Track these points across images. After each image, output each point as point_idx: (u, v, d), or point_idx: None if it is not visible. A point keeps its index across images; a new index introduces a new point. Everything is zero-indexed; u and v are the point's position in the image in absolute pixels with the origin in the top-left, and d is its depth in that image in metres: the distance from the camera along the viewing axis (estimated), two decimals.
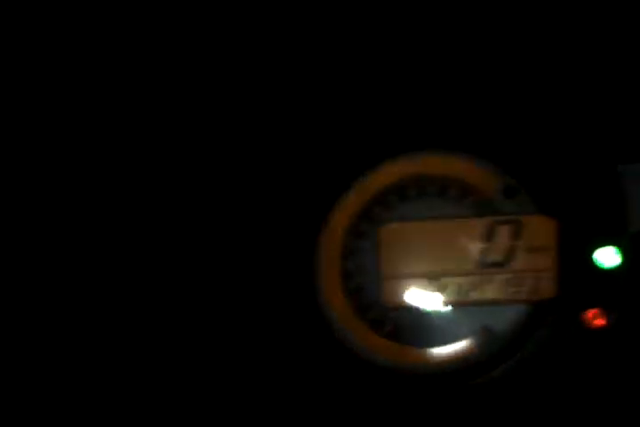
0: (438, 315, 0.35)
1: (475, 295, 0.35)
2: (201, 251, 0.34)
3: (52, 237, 0.34)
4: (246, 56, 0.34)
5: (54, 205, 0.34)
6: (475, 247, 0.35)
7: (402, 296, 0.35)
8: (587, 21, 0.35)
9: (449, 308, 0.35)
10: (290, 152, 0.34)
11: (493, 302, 0.35)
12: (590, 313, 0.35)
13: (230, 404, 0.34)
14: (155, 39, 0.34)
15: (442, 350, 0.35)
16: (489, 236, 0.35)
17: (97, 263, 0.34)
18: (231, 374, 0.34)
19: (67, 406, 0.34)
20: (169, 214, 0.35)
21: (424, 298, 0.35)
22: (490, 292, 0.35)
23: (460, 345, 0.35)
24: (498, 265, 0.35)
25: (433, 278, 0.35)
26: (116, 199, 0.35)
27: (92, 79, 0.34)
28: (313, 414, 0.34)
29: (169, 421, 0.33)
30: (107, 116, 0.34)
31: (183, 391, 0.33)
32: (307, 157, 0.34)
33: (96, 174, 0.34)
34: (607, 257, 0.34)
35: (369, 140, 0.34)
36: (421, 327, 0.35)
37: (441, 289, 0.35)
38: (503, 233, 0.34)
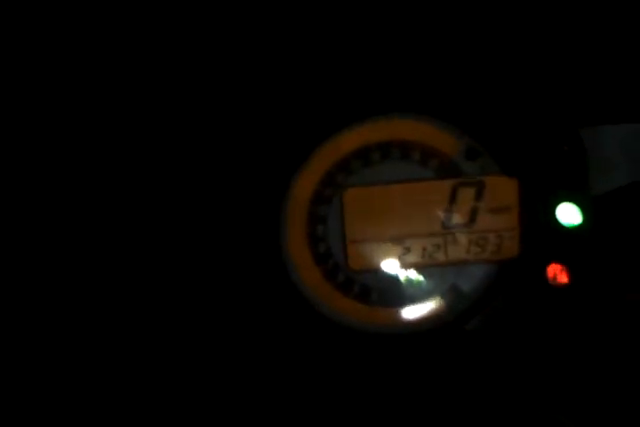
0: (405, 276, 0.35)
1: (440, 256, 0.35)
2: (165, 224, 0.34)
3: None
4: (219, 17, 0.34)
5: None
6: (438, 209, 0.35)
7: (368, 259, 0.35)
8: None
9: (415, 269, 0.35)
10: (252, 119, 0.34)
11: (459, 263, 0.35)
12: (553, 271, 0.35)
13: (199, 366, 0.34)
14: None
15: (410, 311, 0.36)
16: (452, 197, 0.35)
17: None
18: (201, 337, 0.34)
19: (61, 405, 0.34)
20: (136, 180, 0.35)
21: (390, 260, 0.35)
22: (455, 252, 0.35)
23: (428, 305, 0.36)
24: (462, 226, 0.35)
25: (398, 241, 0.35)
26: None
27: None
28: (282, 375, 0.34)
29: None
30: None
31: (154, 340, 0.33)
32: (269, 124, 0.34)
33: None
34: (568, 215, 0.35)
35: (331, 105, 0.34)
36: (389, 289, 0.35)
37: (406, 251, 0.35)
38: (466, 194, 0.35)
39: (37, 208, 0.34)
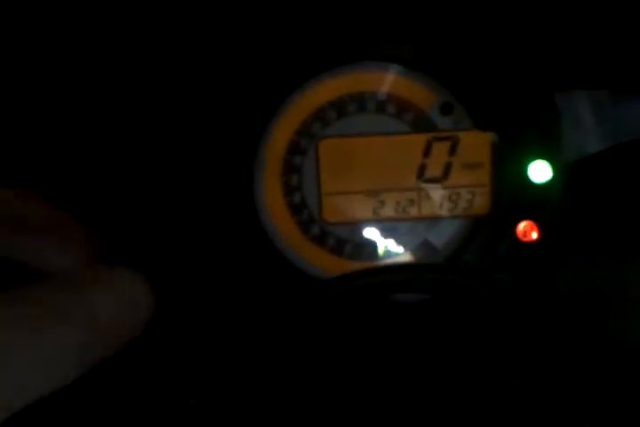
0: (379, 230, 0.36)
1: (413, 211, 0.36)
2: (141, 170, 0.34)
3: None
4: None
5: None
6: (412, 163, 0.35)
7: (342, 212, 0.35)
8: None
9: (389, 223, 0.36)
10: (227, 68, 0.34)
11: (431, 217, 0.36)
12: (523, 227, 0.35)
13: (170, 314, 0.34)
14: None
15: (384, 264, 0.35)
16: (426, 152, 0.35)
17: None
18: (174, 285, 0.34)
19: None
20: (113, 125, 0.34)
21: (364, 214, 0.35)
22: (428, 207, 0.36)
23: (401, 259, 0.36)
24: (435, 181, 0.36)
25: (372, 194, 0.35)
26: None
27: None
28: (252, 324, 0.34)
29: None
30: None
31: None
32: (244, 72, 0.34)
33: None
34: (539, 173, 0.35)
35: (306, 54, 0.34)
36: (363, 242, 0.36)
37: (380, 205, 0.35)
38: (440, 149, 0.35)
39: None
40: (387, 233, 0.36)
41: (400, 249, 0.36)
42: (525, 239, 0.36)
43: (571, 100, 0.36)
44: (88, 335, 0.16)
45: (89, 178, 0.33)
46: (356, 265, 0.36)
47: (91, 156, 0.34)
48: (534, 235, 0.35)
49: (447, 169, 0.35)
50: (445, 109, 0.35)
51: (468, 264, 0.35)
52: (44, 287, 0.16)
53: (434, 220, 0.36)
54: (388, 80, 0.35)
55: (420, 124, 0.35)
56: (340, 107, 0.34)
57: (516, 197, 0.35)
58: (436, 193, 0.36)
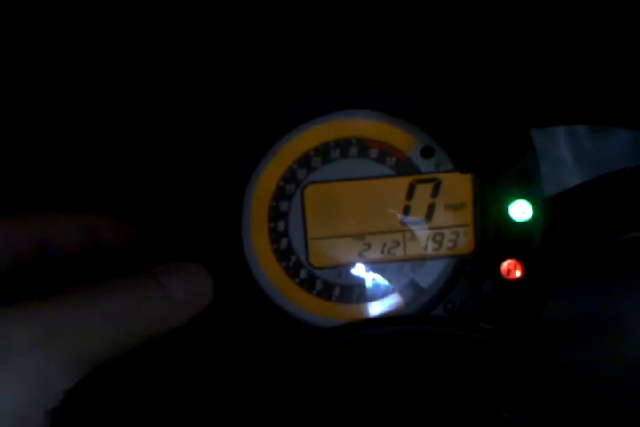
0: (366, 273, 0.36)
1: (399, 252, 0.36)
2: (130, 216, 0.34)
3: None
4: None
5: None
6: (396, 206, 0.36)
7: (329, 256, 0.36)
8: None
9: (375, 265, 0.36)
10: (215, 114, 0.34)
11: (417, 258, 0.36)
12: (507, 265, 0.36)
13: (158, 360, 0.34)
14: None
15: (372, 306, 0.36)
16: (409, 194, 0.36)
17: None
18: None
19: None
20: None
21: (351, 257, 0.36)
22: (413, 249, 0.36)
23: (389, 300, 0.36)
24: (419, 223, 0.36)
25: (358, 238, 0.36)
26: None
27: None
28: (241, 371, 0.34)
29: None
30: None
31: None
32: (231, 120, 0.34)
33: None
34: (521, 211, 0.36)
35: (292, 104, 0.34)
36: (350, 285, 0.36)
37: (366, 248, 0.36)
38: (423, 191, 0.36)
39: None
40: (374, 275, 0.36)
41: (387, 290, 0.36)
42: (509, 277, 0.36)
43: (547, 137, 0.37)
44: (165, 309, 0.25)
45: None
46: (345, 308, 0.36)
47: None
48: (518, 273, 0.36)
49: (430, 210, 0.36)
50: (426, 153, 0.36)
51: (454, 306, 0.35)
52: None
53: (419, 260, 0.36)
54: (369, 126, 0.35)
55: (403, 167, 0.36)
56: (324, 153, 0.35)
57: (498, 236, 0.36)
58: (421, 234, 0.36)
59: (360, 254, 0.36)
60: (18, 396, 0.20)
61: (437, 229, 0.36)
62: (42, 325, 0.21)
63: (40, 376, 0.21)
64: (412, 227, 0.36)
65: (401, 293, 0.36)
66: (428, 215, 0.36)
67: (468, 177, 0.36)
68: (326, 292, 0.36)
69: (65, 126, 0.35)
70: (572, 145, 0.40)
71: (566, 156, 0.40)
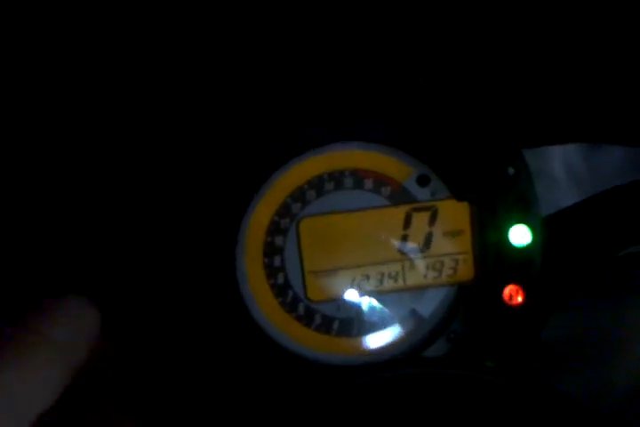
0: (365, 305, 0.36)
1: (398, 282, 0.36)
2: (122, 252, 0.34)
3: None
4: None
5: None
6: (394, 236, 0.35)
7: (327, 289, 0.35)
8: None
9: (375, 297, 0.36)
10: (206, 147, 0.34)
11: (417, 288, 0.36)
12: (508, 291, 0.36)
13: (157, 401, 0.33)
14: None
15: (373, 339, 0.36)
16: (406, 223, 0.35)
17: None
18: (160, 372, 0.33)
19: None
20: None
21: (349, 289, 0.35)
22: (412, 278, 0.36)
23: (390, 332, 0.36)
24: (418, 251, 0.36)
25: (356, 269, 0.35)
26: None
27: None
28: (243, 411, 0.34)
29: None
30: None
31: None
32: (221, 156, 0.34)
33: None
34: (520, 236, 0.36)
35: (282, 138, 0.34)
36: (350, 318, 0.36)
37: (365, 279, 0.35)
38: (420, 220, 0.35)
39: None
40: (373, 306, 0.36)
41: (388, 321, 0.36)
42: (512, 303, 0.36)
43: (540, 157, 0.37)
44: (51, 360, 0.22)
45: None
46: (345, 341, 0.36)
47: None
48: (520, 298, 0.36)
49: (428, 239, 0.36)
50: (422, 181, 0.35)
51: (457, 335, 0.35)
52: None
53: (419, 290, 0.36)
54: (363, 157, 0.35)
55: (399, 197, 0.35)
56: (318, 186, 0.34)
57: (499, 262, 0.36)
58: (420, 263, 0.36)
59: (359, 286, 0.35)
60: None
61: (436, 257, 0.35)
62: None
63: None
64: (411, 256, 0.35)
65: (402, 323, 0.36)
66: (427, 244, 0.35)
67: (465, 204, 0.35)
68: (325, 325, 0.35)
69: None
70: (565, 164, 0.40)
71: (560, 175, 0.40)
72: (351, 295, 0.35)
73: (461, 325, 0.36)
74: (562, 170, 0.41)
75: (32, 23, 0.33)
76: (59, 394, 0.22)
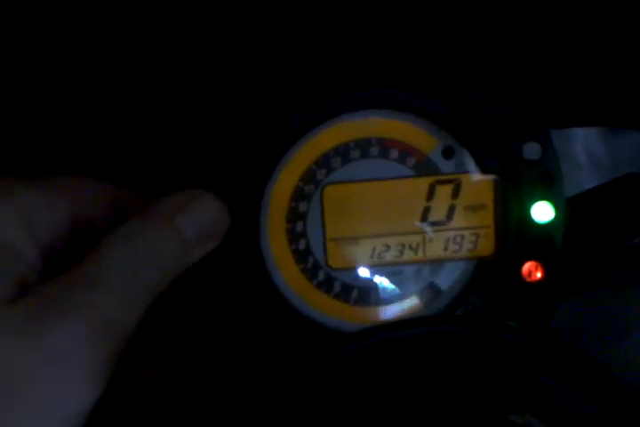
0: (384, 275, 0.35)
1: (418, 254, 0.36)
2: None
3: None
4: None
5: None
6: (416, 207, 0.35)
7: (347, 258, 0.35)
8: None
9: (394, 267, 0.35)
10: (232, 114, 0.34)
11: (437, 260, 0.36)
12: (527, 268, 0.36)
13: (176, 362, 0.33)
14: None
15: (391, 309, 0.36)
16: (429, 195, 0.35)
17: None
18: (179, 335, 0.33)
19: None
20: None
21: (370, 258, 0.35)
22: (433, 250, 0.36)
23: (408, 303, 0.36)
24: (439, 224, 0.35)
25: (377, 239, 0.35)
26: None
27: None
28: (260, 375, 0.34)
29: None
30: None
31: None
32: (248, 119, 0.33)
33: None
34: (542, 213, 0.35)
35: (310, 103, 0.34)
36: (369, 287, 0.35)
37: (385, 249, 0.35)
38: (443, 192, 0.35)
39: None
40: (392, 277, 0.36)
41: (406, 293, 0.36)
42: (530, 279, 0.35)
43: (564, 138, 0.37)
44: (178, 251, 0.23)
45: None
46: (362, 310, 0.35)
47: None
48: (539, 274, 0.35)
49: (451, 212, 0.35)
50: (447, 153, 0.35)
51: (474, 308, 0.35)
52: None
53: (439, 262, 0.36)
54: (389, 126, 0.35)
55: (423, 168, 0.35)
56: (343, 153, 0.34)
57: (520, 238, 0.35)
58: (441, 236, 0.35)
59: (379, 256, 0.35)
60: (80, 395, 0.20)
61: (458, 230, 0.35)
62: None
63: (93, 372, 0.20)
64: (432, 228, 0.35)
65: (419, 295, 0.36)
66: (449, 216, 0.35)
67: (490, 178, 0.35)
68: (344, 294, 0.35)
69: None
70: (586, 147, 0.40)
71: (582, 158, 0.40)
72: (371, 265, 0.35)
73: (479, 299, 0.35)
74: (583, 153, 0.41)
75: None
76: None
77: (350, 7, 0.34)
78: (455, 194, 0.35)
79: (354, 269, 0.35)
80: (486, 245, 0.35)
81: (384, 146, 0.34)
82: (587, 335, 0.38)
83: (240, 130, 0.33)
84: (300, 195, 0.34)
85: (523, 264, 0.35)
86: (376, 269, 0.35)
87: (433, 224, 0.35)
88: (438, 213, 0.35)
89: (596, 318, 0.38)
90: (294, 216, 0.34)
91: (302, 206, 0.34)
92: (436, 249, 0.35)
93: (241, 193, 0.33)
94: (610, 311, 0.39)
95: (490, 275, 0.35)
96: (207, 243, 0.25)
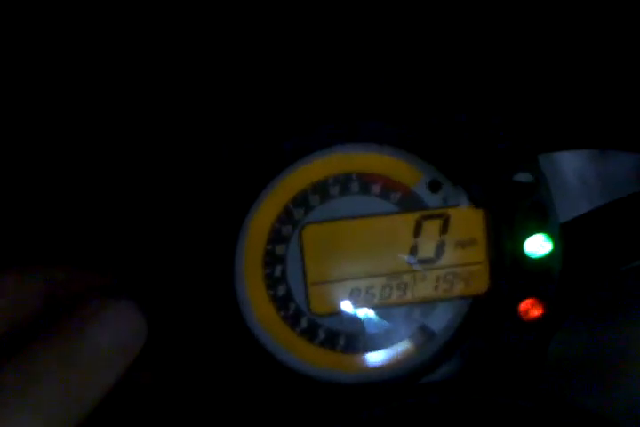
0: (372, 319, 0.33)
1: (407, 295, 0.33)
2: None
3: None
4: None
5: None
6: (403, 245, 0.33)
7: (332, 302, 0.33)
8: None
9: (382, 310, 0.33)
10: (203, 147, 0.31)
11: (427, 301, 0.33)
12: (525, 304, 0.34)
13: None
14: None
15: (381, 355, 0.33)
16: (417, 232, 0.33)
17: None
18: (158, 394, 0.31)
19: None
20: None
21: (355, 302, 0.33)
22: (422, 290, 0.33)
23: (399, 348, 0.34)
24: (428, 262, 0.33)
25: (362, 280, 0.33)
26: None
27: None
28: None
29: None
30: None
31: None
32: (219, 158, 0.31)
33: None
34: (537, 246, 0.33)
35: (286, 138, 0.31)
36: (356, 333, 0.33)
37: (372, 291, 0.33)
38: (431, 228, 0.33)
39: None
40: (381, 321, 0.33)
41: (396, 337, 0.33)
42: (528, 318, 0.33)
43: (553, 162, 0.35)
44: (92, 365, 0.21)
45: None
46: (351, 358, 0.33)
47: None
48: (537, 312, 0.33)
49: (440, 248, 0.33)
50: (433, 187, 0.33)
51: (470, 351, 0.32)
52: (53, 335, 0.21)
53: (430, 303, 0.33)
54: (370, 160, 0.33)
55: (408, 203, 0.33)
56: (322, 190, 0.32)
57: (515, 273, 0.33)
58: (431, 274, 0.33)
59: (365, 299, 0.33)
60: None
61: (448, 268, 0.33)
62: None
63: None
64: (421, 267, 0.33)
65: (411, 339, 0.33)
66: (438, 254, 0.33)
67: (480, 212, 0.33)
68: (330, 341, 0.33)
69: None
70: (575, 170, 0.38)
71: (572, 182, 0.38)
72: (357, 308, 0.33)
73: (475, 341, 0.33)
74: (573, 176, 0.39)
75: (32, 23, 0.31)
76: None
77: (318, 38, 0.32)
78: (444, 229, 0.33)
79: (339, 313, 0.33)
80: (480, 283, 0.33)
81: (365, 181, 0.32)
82: (586, 365, 0.36)
83: (210, 167, 0.31)
84: (277, 236, 0.32)
85: (520, 302, 0.33)
86: (363, 312, 0.33)
87: (422, 262, 0.33)
88: (427, 250, 0.33)
89: (594, 347, 0.37)
90: (272, 260, 0.32)
91: (280, 249, 0.32)
92: (426, 289, 0.33)
93: (213, 236, 0.31)
94: (608, 340, 0.37)
95: (485, 315, 0.33)
96: (122, 357, 0.23)
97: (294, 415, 0.31)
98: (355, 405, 0.31)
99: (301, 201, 0.32)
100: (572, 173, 0.39)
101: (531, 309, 0.33)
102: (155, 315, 0.25)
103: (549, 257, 0.33)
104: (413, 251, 0.33)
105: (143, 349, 0.24)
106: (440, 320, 0.34)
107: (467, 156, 0.32)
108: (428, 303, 0.33)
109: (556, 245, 0.33)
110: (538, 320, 0.33)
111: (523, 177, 0.33)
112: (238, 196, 0.31)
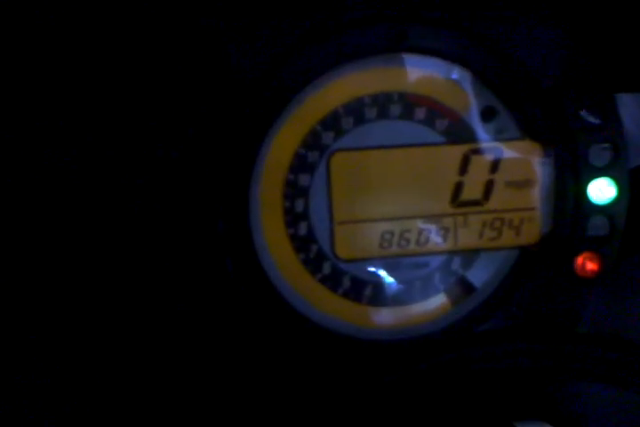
0: (405, 267, 0.30)
1: (447, 242, 0.30)
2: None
3: None
4: None
5: None
6: (446, 183, 0.30)
7: (359, 246, 0.29)
8: None
9: (418, 258, 0.30)
10: (220, 60, 0.27)
11: (469, 250, 0.30)
12: (582, 258, 0.30)
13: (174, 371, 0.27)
14: None
15: (411, 310, 0.30)
16: (463, 168, 0.29)
17: None
18: (173, 344, 0.28)
19: None
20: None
21: (387, 247, 0.29)
22: (465, 238, 0.30)
23: (433, 302, 0.30)
24: (473, 204, 0.30)
25: (396, 222, 0.29)
26: None
27: None
28: (265, 388, 0.28)
29: None
30: None
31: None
32: (240, 65, 0.27)
33: None
34: (601, 191, 0.30)
35: (317, 43, 0.27)
36: (385, 283, 0.30)
37: (406, 235, 0.29)
38: (480, 164, 0.30)
39: None
40: (415, 271, 0.30)
41: (431, 290, 0.30)
42: (584, 274, 0.30)
43: (630, 103, 0.32)
44: None
45: None
46: (378, 312, 0.30)
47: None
48: (595, 268, 0.30)
49: (488, 189, 0.30)
50: (487, 115, 0.29)
51: (517, 310, 0.29)
52: None
53: (472, 253, 0.30)
54: (415, 77, 0.29)
55: (456, 133, 0.29)
56: (357, 111, 0.28)
57: (573, 223, 0.30)
58: (475, 219, 0.30)
59: (398, 244, 0.29)
60: None
61: (497, 212, 0.30)
62: None
63: None
64: (465, 210, 0.29)
65: (448, 293, 0.30)
66: (486, 195, 0.30)
67: (538, 147, 0.29)
68: (355, 291, 0.29)
69: None
70: (632, 114, 0.35)
71: (630, 126, 0.35)
72: (389, 255, 0.29)
73: (520, 298, 0.30)
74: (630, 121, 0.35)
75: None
76: None
77: None
78: (494, 167, 0.30)
79: (367, 260, 0.29)
80: (531, 232, 0.30)
81: (408, 103, 0.29)
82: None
83: (227, 80, 0.26)
84: (300, 164, 0.28)
85: (576, 255, 0.30)
86: (395, 260, 0.29)
87: (466, 205, 0.30)
88: (473, 190, 0.30)
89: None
90: (293, 192, 0.28)
91: (303, 179, 0.28)
92: (469, 236, 0.30)
93: (227, 160, 0.27)
94: None
95: (535, 268, 0.30)
96: None
97: (316, 372, 0.27)
98: (378, 365, 0.27)
99: (332, 123, 0.28)
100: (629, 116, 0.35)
101: (587, 264, 0.30)
102: None
103: (613, 205, 0.30)
104: (458, 190, 0.30)
105: None
106: (482, 273, 0.30)
107: (531, 80, 0.29)
108: (469, 253, 0.30)
109: (622, 191, 0.30)
110: (594, 277, 0.30)
111: (592, 110, 0.29)
112: (257, 113, 0.27)
